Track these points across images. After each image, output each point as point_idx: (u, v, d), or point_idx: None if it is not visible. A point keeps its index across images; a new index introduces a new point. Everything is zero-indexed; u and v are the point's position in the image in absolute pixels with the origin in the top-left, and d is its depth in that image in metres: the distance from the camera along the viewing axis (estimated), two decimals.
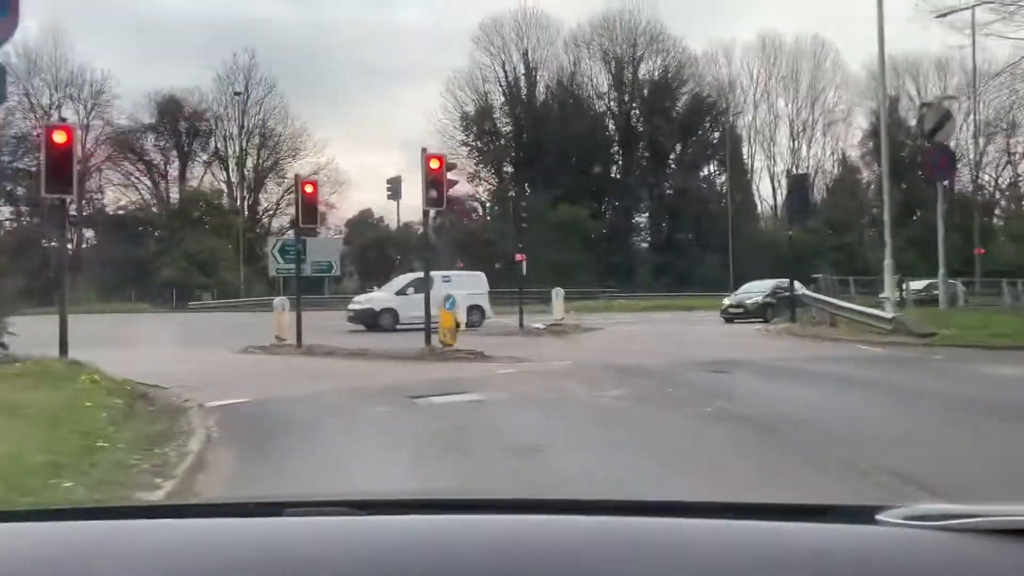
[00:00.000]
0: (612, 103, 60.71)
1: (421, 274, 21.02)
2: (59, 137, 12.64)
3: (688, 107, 59.89)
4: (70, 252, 54.62)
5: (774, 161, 60.83)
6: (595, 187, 59.15)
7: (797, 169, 56.31)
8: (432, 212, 18.74)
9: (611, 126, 60.83)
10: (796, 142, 60.38)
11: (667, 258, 55.99)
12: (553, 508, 1.38)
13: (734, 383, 11.97)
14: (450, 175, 16.96)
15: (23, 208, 52.70)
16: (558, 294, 25.40)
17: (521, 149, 58.62)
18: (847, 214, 54.40)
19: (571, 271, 47.32)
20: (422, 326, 17.20)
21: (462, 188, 58.26)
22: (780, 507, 1.33)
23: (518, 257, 24.58)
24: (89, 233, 55.51)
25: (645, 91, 59.91)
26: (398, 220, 41.41)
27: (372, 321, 25.38)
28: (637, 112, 60.27)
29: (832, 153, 60.55)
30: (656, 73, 59.56)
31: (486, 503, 1.42)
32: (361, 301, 27.54)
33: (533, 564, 1.10)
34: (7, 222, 53.30)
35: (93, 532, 1.28)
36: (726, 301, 30.19)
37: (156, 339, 22.55)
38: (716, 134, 59.46)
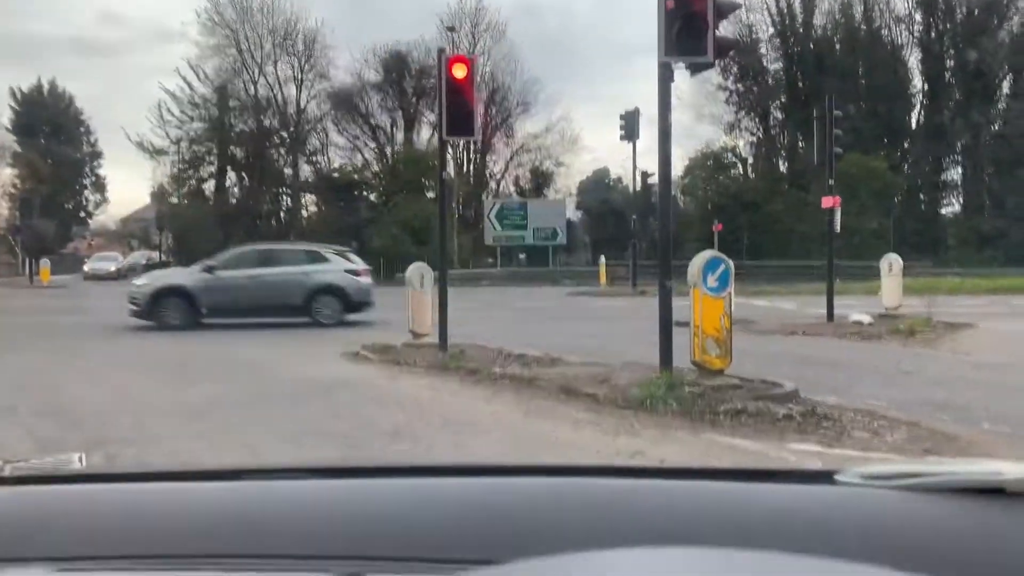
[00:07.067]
0: (916, 28, 47.45)
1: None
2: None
3: None
4: (285, 218, 51.25)
5: None
6: (890, 134, 46.58)
7: None
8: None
9: (912, 58, 47.74)
10: None
11: (990, 224, 42.68)
12: (517, 472, 1.34)
13: None
14: None
15: (243, 174, 49.63)
16: (892, 265, 15.37)
17: (794, 91, 47.25)
18: None
19: (864, 238, 36.49)
20: None
21: (718, 139, 48.19)
22: (742, 471, 1.32)
23: (828, 202, 14.69)
24: (309, 199, 51.57)
25: (963, 8, 46.14)
26: (634, 177, 32.54)
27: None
28: (950, 38, 46.66)
29: None
30: None
31: (450, 469, 1.41)
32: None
33: (500, 525, 1.07)
34: (232, 188, 50.66)
35: (51, 496, 1.28)
36: None
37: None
38: None
